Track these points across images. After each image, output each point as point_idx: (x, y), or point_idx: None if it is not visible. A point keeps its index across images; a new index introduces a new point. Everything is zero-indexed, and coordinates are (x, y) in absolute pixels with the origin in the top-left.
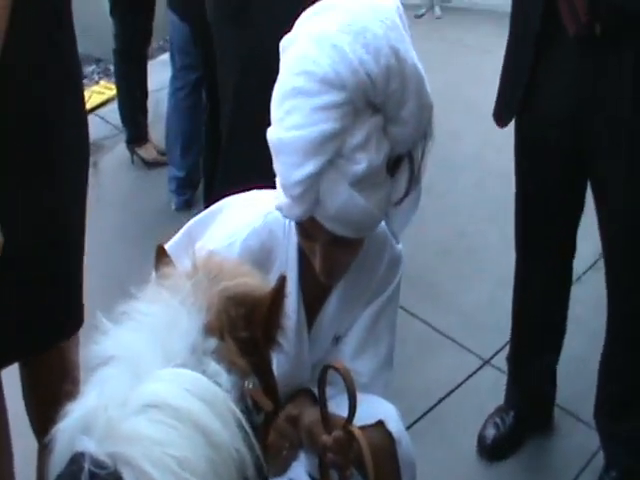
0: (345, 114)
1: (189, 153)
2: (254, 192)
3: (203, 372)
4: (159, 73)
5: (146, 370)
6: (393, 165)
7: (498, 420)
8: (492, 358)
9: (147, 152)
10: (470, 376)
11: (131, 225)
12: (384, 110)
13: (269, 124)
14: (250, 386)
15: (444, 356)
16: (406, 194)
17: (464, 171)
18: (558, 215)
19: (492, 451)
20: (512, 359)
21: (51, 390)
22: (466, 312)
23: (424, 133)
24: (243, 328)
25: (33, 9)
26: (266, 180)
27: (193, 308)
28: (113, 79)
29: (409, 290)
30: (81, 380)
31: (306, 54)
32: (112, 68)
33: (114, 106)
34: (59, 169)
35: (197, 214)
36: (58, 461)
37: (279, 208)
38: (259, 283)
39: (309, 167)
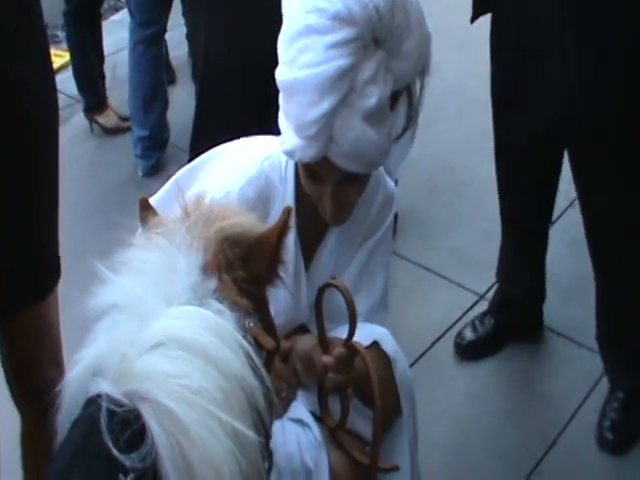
0: (357, 49)
1: (152, 108)
2: (246, 139)
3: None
4: (113, 34)
5: (151, 312)
6: (392, 100)
7: (477, 323)
8: (487, 292)
9: (107, 119)
10: (465, 312)
11: (96, 198)
12: (386, 45)
13: (239, 77)
14: (251, 325)
15: (438, 295)
16: (405, 129)
17: (446, 102)
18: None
19: (468, 350)
20: (500, 273)
21: (29, 351)
22: (458, 249)
23: (423, 68)
24: (240, 267)
25: None
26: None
27: (190, 251)
28: (62, 45)
29: (398, 231)
30: (60, 338)
31: None
32: (60, 34)
33: (67, 74)
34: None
35: (167, 178)
36: (70, 409)
37: (290, 152)
38: (252, 222)
39: (325, 104)
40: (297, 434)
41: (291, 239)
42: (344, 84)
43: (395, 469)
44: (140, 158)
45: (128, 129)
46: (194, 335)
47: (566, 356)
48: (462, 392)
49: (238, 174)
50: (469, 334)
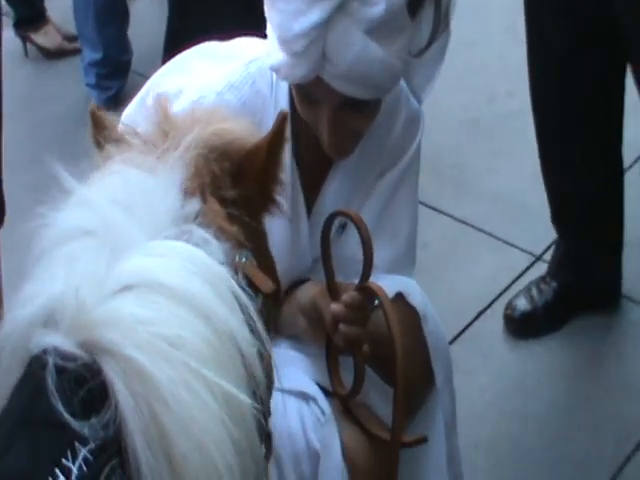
0: None
1: (108, 23)
2: (231, 41)
3: (187, 241)
4: None
5: (129, 244)
6: (414, 4)
7: (533, 289)
8: (545, 252)
9: (47, 38)
10: (518, 277)
11: (35, 142)
12: None
13: None
14: (243, 260)
15: (481, 256)
16: (431, 41)
17: (490, 9)
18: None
19: (522, 324)
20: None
21: None
22: (504, 197)
23: None
24: (230, 186)
25: None
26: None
27: (166, 166)
28: None
29: (427, 176)
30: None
31: None
32: None
33: None
34: None
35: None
36: (11, 372)
37: (275, 69)
38: (247, 129)
39: (315, 13)
40: (299, 410)
41: (287, 168)
42: None
43: (422, 441)
44: (94, 89)
45: (76, 51)
46: (179, 280)
47: None
48: (514, 378)
49: (217, 78)
50: (523, 304)
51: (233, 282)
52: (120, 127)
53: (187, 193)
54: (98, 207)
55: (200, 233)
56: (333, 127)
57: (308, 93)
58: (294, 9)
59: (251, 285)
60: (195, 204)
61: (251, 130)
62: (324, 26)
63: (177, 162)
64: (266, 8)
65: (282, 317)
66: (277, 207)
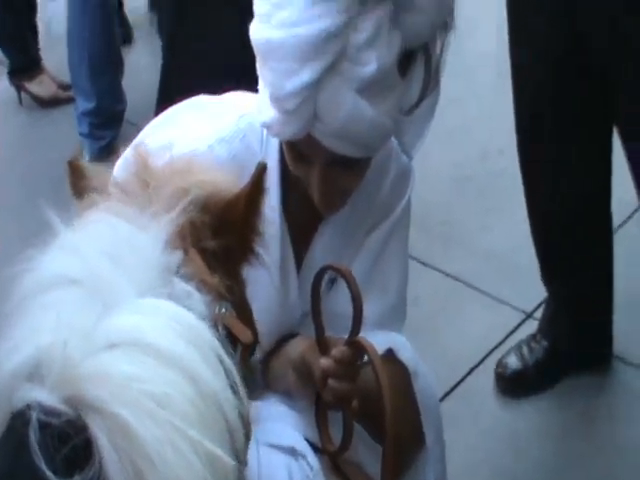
0: (349, 4)
1: (101, 74)
2: (223, 95)
3: (169, 294)
4: None
5: (119, 300)
6: (404, 62)
7: (524, 348)
8: (536, 310)
9: (42, 86)
10: (509, 335)
11: (27, 190)
12: None
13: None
14: (223, 311)
15: (473, 313)
16: (421, 99)
17: (479, 72)
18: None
19: (512, 383)
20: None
21: None
22: (496, 254)
23: (444, 22)
24: (210, 237)
25: None
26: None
27: (150, 221)
28: None
29: (418, 232)
30: None
31: None
32: None
33: None
34: None
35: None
36: None
37: (267, 125)
38: (228, 181)
39: (306, 74)
40: (288, 467)
41: (276, 225)
42: (331, 48)
43: None
44: (87, 138)
45: (70, 99)
46: (166, 341)
47: None
48: (505, 437)
49: (208, 132)
50: (514, 362)
51: (217, 344)
52: (105, 177)
53: (170, 246)
54: (84, 256)
55: (182, 286)
56: (323, 184)
57: (299, 150)
58: (286, 68)
59: (230, 335)
60: (177, 256)
61: (231, 180)
62: (315, 85)
63: (161, 217)
64: (258, 66)
65: (272, 371)
66: (256, 258)
